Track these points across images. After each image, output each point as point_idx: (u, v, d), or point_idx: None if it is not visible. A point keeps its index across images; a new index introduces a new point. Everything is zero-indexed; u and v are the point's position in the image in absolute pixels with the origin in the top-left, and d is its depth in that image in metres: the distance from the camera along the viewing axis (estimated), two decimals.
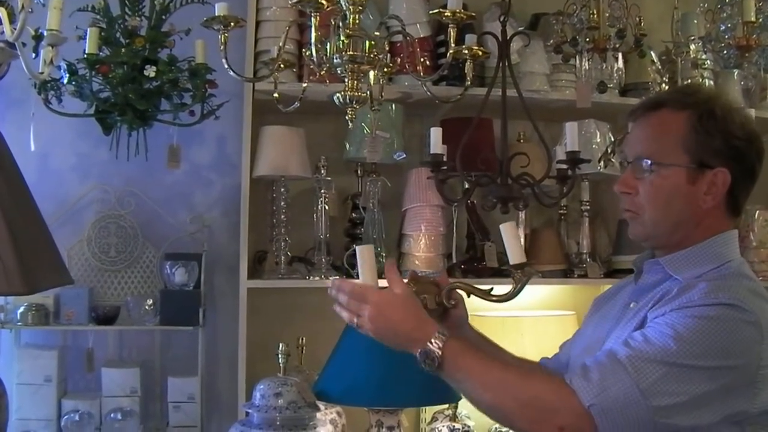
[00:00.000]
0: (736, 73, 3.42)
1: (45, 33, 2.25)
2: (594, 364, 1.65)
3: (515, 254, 1.96)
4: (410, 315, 1.82)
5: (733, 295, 1.65)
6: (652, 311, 1.73)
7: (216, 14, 1.98)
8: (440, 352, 1.75)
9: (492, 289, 2.04)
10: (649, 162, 1.79)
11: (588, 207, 3.43)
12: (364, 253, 1.93)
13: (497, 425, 3.26)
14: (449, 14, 2.07)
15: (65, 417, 2.97)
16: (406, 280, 1.91)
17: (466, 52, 2.30)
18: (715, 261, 1.79)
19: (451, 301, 1.98)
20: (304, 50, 2.75)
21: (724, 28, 3.00)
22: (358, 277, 1.94)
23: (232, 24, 1.99)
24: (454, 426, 3.04)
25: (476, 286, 2.02)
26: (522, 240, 3.32)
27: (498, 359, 1.81)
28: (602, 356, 1.66)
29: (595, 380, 1.61)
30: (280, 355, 2.70)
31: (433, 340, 1.76)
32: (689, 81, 3.27)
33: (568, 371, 1.77)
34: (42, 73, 2.34)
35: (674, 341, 1.60)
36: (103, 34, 2.82)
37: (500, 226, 1.99)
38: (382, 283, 1.90)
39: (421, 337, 1.78)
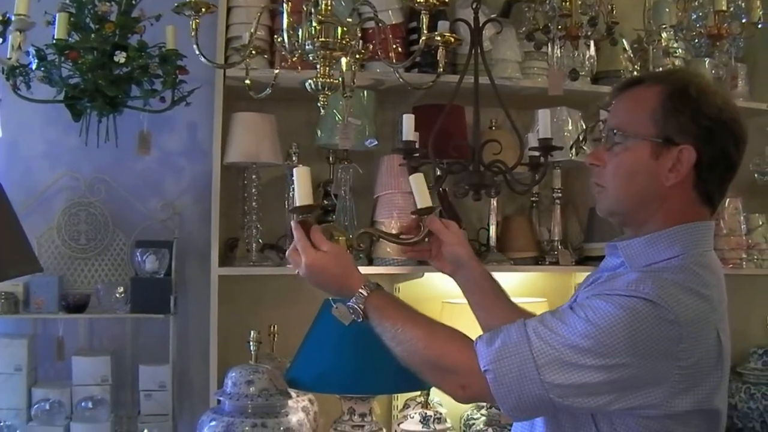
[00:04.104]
0: (707, 62, 3.44)
1: (13, 18, 2.23)
2: (504, 331, 1.68)
3: (423, 200, 2.13)
4: (340, 271, 1.92)
5: (655, 291, 1.60)
6: (582, 291, 1.78)
7: (187, 0, 1.96)
8: (363, 306, 1.86)
9: (401, 233, 2.25)
10: (616, 131, 1.79)
11: (560, 194, 3.45)
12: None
13: (469, 411, 3.29)
14: (422, 1, 2.07)
15: (35, 406, 2.95)
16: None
17: (439, 38, 2.30)
18: (670, 251, 1.75)
19: (360, 245, 2.11)
20: (275, 36, 2.73)
21: (695, 16, 3.02)
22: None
23: (203, 10, 1.97)
24: (426, 413, 3.05)
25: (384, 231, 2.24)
26: (493, 228, 3.36)
27: (416, 315, 1.86)
28: (513, 326, 1.68)
29: (495, 347, 1.65)
30: (251, 343, 2.69)
31: (356, 296, 1.87)
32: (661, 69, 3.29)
33: None
34: (10, 58, 2.33)
35: (584, 326, 1.60)
36: (72, 19, 2.79)
37: (410, 177, 2.19)
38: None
39: (347, 293, 1.90)
